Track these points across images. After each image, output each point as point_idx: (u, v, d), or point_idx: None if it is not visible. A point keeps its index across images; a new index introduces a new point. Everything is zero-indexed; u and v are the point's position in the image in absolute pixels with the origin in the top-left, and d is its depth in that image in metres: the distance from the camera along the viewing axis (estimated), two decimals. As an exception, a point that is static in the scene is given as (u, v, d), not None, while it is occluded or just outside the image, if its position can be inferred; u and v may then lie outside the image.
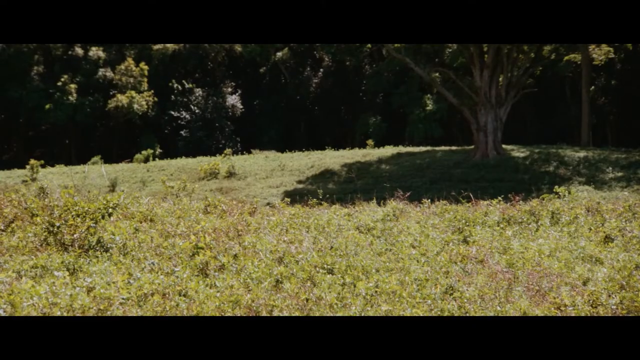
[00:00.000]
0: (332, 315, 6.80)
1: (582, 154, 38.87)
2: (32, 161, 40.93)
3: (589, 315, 7.28)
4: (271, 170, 39.21)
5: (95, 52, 62.75)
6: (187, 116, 61.49)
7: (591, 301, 7.58)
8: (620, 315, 7.29)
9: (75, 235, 8.15)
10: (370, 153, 43.87)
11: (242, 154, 49.20)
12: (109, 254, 8.07)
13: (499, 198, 13.59)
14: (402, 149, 45.36)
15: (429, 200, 13.85)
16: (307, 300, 7.30)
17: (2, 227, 8.99)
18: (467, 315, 7.09)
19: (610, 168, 35.21)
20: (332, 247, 9.33)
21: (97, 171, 42.25)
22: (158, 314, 6.46)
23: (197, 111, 62.06)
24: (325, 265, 8.31)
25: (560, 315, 7.27)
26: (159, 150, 57.51)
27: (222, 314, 6.66)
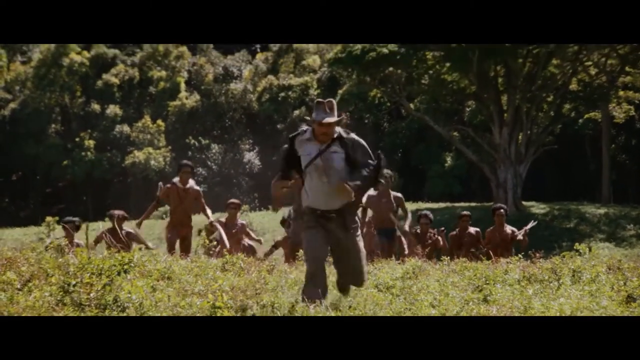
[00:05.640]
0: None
1: (602, 210, 38.61)
2: (48, 218, 40.95)
3: None
4: (289, 226, 39.12)
5: (113, 109, 63.56)
6: (204, 172, 61.84)
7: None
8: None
9: (91, 295, 8.08)
10: (389, 209, 43.63)
11: (260, 210, 49.12)
12: (125, 314, 7.98)
13: (519, 255, 13.41)
14: (421, 204, 45.18)
15: (449, 257, 13.70)
16: (325, 361, 7.20)
17: (19, 287, 8.93)
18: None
19: (631, 225, 34.95)
20: (350, 307, 9.21)
21: (115, 228, 42.25)
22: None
23: (214, 167, 62.43)
24: (344, 326, 8.19)
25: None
26: (176, 206, 57.65)
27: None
